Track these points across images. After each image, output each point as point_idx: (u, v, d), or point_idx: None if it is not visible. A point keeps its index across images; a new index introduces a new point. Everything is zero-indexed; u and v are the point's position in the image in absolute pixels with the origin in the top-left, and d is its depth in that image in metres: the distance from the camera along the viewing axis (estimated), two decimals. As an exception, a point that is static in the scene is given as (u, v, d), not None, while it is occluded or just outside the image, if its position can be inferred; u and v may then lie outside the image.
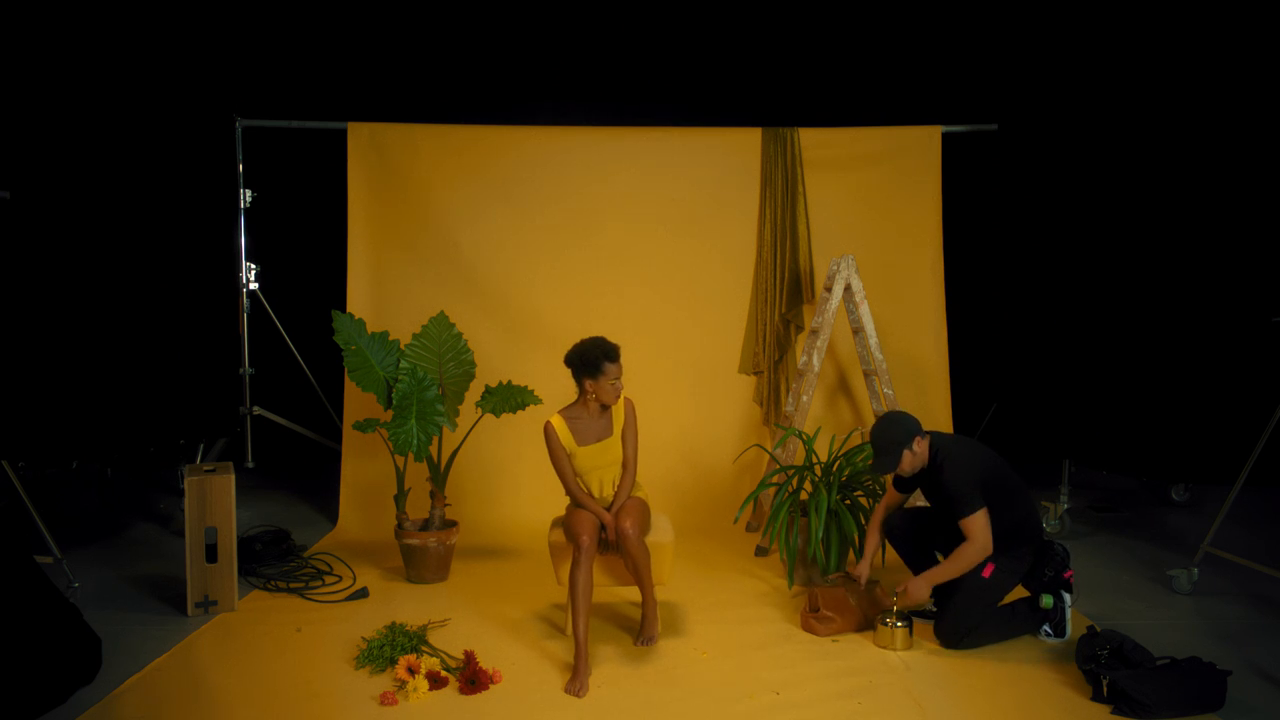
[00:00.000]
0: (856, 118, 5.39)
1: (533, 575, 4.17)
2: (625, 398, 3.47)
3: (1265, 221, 4.85)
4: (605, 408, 3.46)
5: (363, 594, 3.94)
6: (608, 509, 3.42)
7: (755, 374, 5.30)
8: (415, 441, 4.13)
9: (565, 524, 3.41)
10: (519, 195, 5.24)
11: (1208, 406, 4.54)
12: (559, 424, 3.42)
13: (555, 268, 5.23)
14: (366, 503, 5.03)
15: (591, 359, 3.37)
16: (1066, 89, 5.54)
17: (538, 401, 4.37)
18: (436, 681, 3.05)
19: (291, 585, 4.01)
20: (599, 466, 3.43)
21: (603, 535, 3.36)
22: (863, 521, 3.93)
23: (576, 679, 3.06)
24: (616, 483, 3.47)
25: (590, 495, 3.46)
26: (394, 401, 4.24)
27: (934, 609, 3.57)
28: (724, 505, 5.00)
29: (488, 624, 3.62)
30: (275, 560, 4.27)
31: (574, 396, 3.52)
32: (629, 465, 3.47)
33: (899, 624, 3.37)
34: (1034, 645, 3.41)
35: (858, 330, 4.82)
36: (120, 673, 3.11)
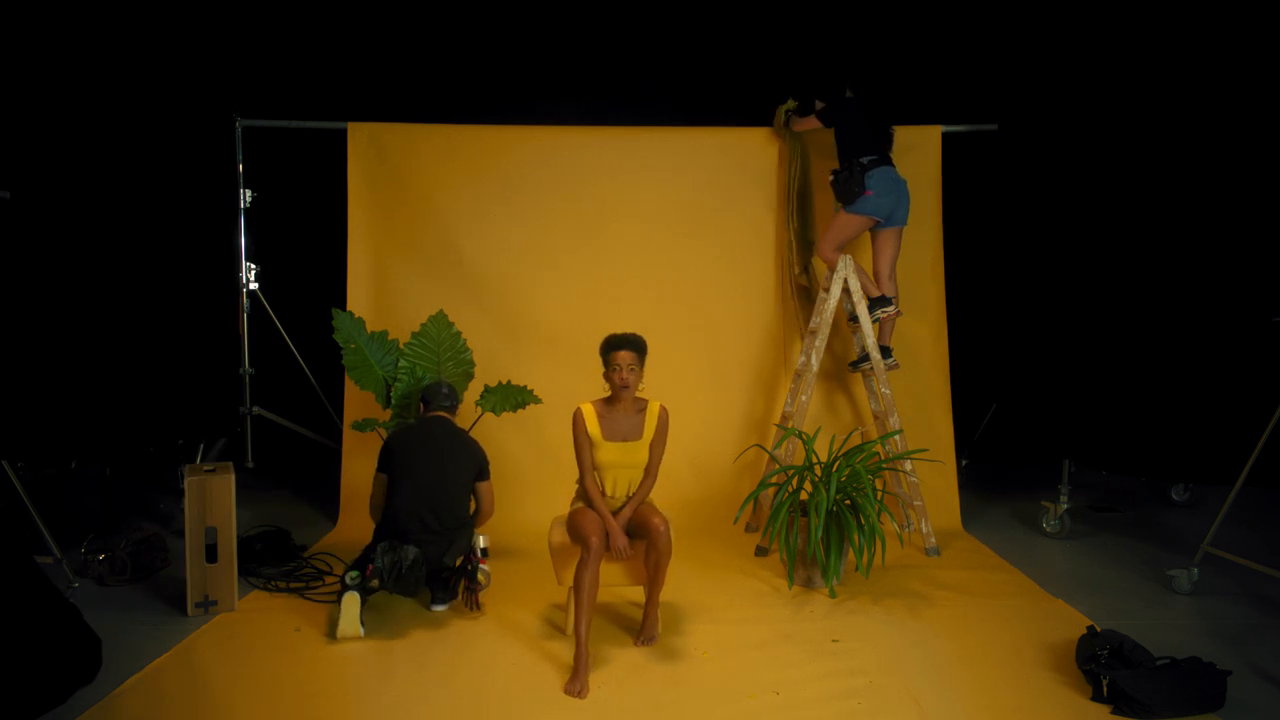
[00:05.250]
0: (856, 117, 5.39)
1: (533, 575, 4.16)
2: (662, 406, 3.53)
3: (1265, 221, 4.85)
4: (641, 405, 3.50)
5: (363, 594, 3.94)
6: (617, 512, 3.44)
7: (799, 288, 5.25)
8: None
9: (571, 523, 3.41)
10: (519, 195, 5.24)
11: (1208, 406, 4.55)
12: (588, 412, 3.45)
13: (556, 268, 5.23)
14: (366, 503, 5.02)
15: (602, 349, 3.45)
16: (1066, 89, 5.53)
17: (537, 401, 4.37)
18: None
19: (291, 585, 4.01)
20: (619, 465, 3.45)
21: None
22: (862, 521, 3.92)
23: (576, 679, 3.06)
24: (633, 486, 3.48)
25: (602, 493, 3.47)
26: (393, 401, 4.24)
27: None
28: (724, 505, 5.00)
29: (488, 624, 3.62)
30: (275, 560, 4.27)
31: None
32: (651, 472, 3.51)
33: None
34: (1034, 645, 3.41)
35: (856, 330, 4.82)
36: (121, 673, 3.11)
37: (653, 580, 3.39)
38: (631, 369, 3.39)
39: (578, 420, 3.44)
